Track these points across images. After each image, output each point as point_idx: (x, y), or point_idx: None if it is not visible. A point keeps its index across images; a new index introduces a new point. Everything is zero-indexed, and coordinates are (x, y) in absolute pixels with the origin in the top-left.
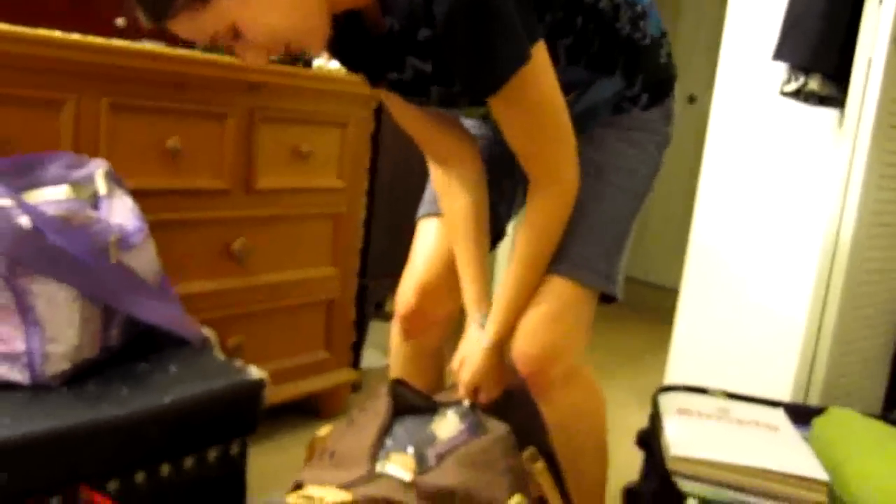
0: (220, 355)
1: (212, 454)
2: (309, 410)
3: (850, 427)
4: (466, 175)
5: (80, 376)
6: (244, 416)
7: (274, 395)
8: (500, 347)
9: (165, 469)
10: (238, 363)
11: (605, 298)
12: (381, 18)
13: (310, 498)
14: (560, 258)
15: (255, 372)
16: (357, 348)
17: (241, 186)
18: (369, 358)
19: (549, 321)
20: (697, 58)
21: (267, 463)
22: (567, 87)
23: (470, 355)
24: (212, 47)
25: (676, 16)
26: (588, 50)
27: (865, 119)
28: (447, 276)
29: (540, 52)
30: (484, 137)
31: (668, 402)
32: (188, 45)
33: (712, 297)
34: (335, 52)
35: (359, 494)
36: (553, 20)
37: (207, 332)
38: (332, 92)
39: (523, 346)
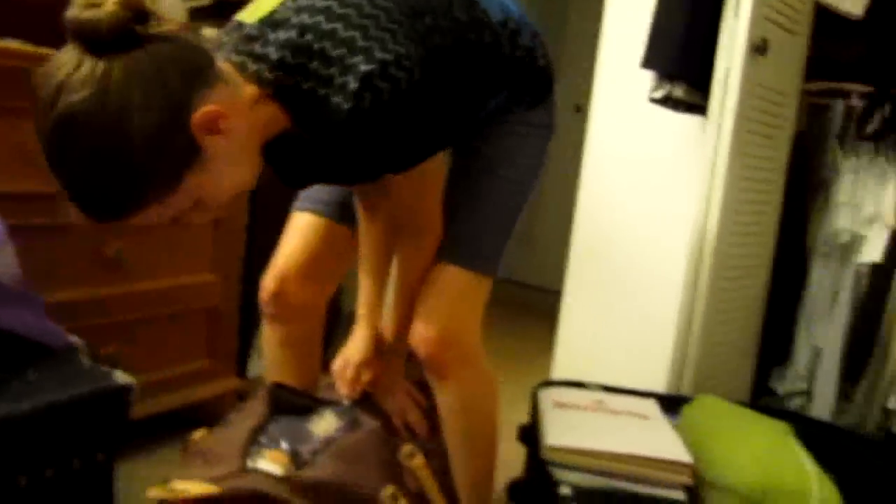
0: (85, 362)
1: (75, 463)
2: (193, 421)
3: (715, 413)
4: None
5: None
6: (110, 424)
7: (155, 405)
8: (397, 355)
9: (23, 481)
10: (103, 369)
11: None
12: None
13: (172, 490)
14: (455, 247)
15: (122, 377)
16: (243, 356)
17: None
18: (256, 366)
19: (445, 306)
20: (583, 69)
21: (150, 475)
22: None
23: (360, 355)
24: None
25: (562, 27)
26: (479, 80)
27: (726, 126)
28: (309, 266)
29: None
30: None
31: (546, 396)
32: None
33: (593, 296)
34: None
35: (226, 487)
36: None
37: (74, 339)
38: None
39: (422, 330)
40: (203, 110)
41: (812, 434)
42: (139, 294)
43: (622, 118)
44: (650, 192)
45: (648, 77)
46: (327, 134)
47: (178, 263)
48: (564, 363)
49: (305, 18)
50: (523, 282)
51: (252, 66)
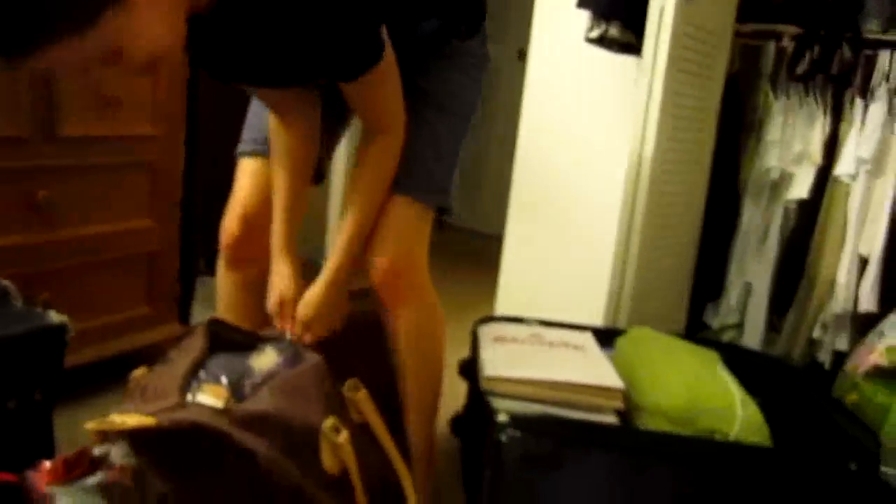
0: (18, 304)
1: (11, 404)
2: (136, 368)
3: (647, 342)
4: (302, 125)
5: None
6: (46, 364)
7: (96, 352)
8: (341, 283)
9: None
10: (37, 311)
11: (439, 211)
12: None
13: (109, 423)
14: (405, 179)
15: (56, 317)
16: (185, 303)
17: (41, 134)
18: (199, 314)
19: (398, 235)
20: (527, 15)
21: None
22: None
23: (291, 290)
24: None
25: None
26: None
27: (659, 65)
28: (266, 208)
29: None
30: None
31: (486, 331)
32: None
33: (533, 238)
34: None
35: (164, 419)
36: None
37: (5, 283)
38: None
39: (376, 257)
40: None
41: (740, 362)
42: (73, 240)
43: (560, 61)
44: (588, 133)
45: (585, 16)
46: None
47: (113, 209)
48: (506, 304)
49: None
50: (469, 228)
51: None
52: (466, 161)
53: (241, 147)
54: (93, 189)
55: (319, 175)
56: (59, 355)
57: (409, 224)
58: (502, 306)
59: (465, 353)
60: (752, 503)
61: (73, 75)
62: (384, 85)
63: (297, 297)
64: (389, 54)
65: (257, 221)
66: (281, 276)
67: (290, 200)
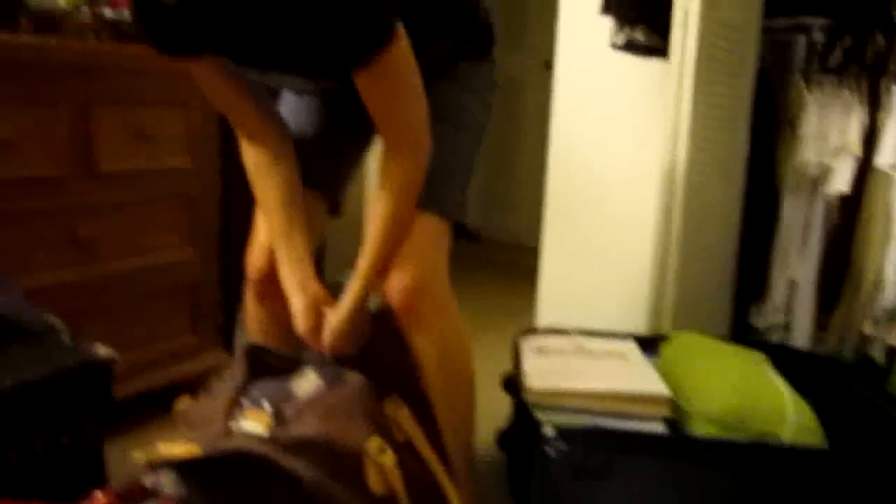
0: (66, 339)
1: (64, 438)
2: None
3: (692, 347)
4: (278, 153)
5: None
6: (95, 397)
7: (143, 383)
8: (360, 305)
9: (14, 456)
10: (85, 345)
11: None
12: None
13: (156, 452)
14: (423, 195)
15: (104, 350)
16: (228, 330)
17: (81, 172)
18: (243, 340)
19: (417, 254)
20: (550, 26)
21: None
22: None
23: (305, 322)
24: None
25: None
26: (421, 17)
27: (687, 66)
28: None
29: (398, 24)
30: (313, 110)
31: (528, 343)
32: (9, 28)
33: (570, 246)
34: (142, 16)
35: (209, 447)
36: None
37: (54, 319)
38: (169, 71)
39: (396, 281)
40: None
41: (789, 362)
42: (116, 274)
43: (587, 68)
44: (619, 138)
45: (609, 26)
46: None
47: (154, 241)
48: (546, 314)
49: None
50: (503, 241)
51: None
52: (497, 172)
53: None
54: (133, 222)
55: (335, 206)
56: (108, 388)
57: (428, 240)
58: (543, 317)
59: (506, 366)
60: None
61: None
62: (402, 86)
63: (320, 326)
64: (407, 54)
65: None
66: (293, 315)
67: (288, 237)
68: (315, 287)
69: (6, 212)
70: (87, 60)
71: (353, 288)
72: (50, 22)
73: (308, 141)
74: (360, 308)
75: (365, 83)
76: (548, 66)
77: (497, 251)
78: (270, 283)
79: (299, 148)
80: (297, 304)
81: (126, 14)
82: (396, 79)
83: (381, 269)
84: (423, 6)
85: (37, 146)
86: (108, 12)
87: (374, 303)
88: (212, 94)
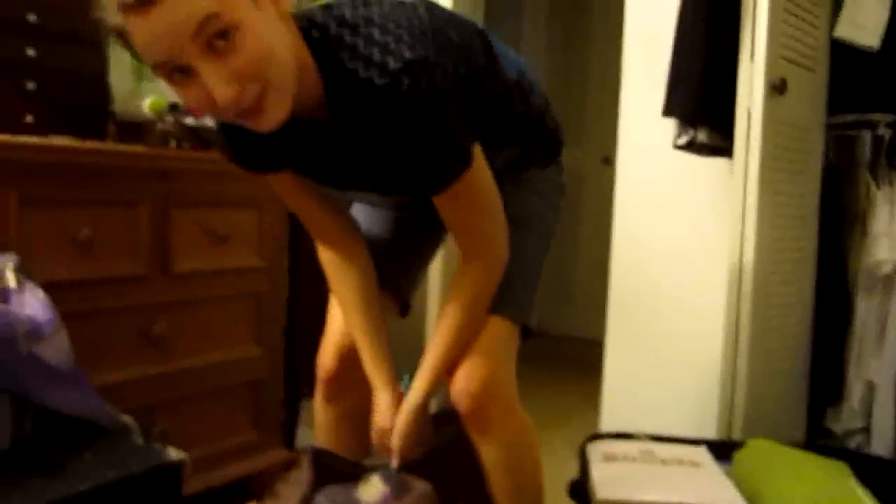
0: (138, 440)
1: None
2: (244, 495)
3: (768, 456)
4: (353, 253)
5: None
6: (165, 499)
7: (205, 480)
8: (424, 407)
9: None
10: (156, 447)
11: (523, 335)
12: (324, 108)
13: None
14: (493, 296)
15: (174, 454)
16: (290, 427)
17: (158, 271)
18: (304, 437)
19: (484, 358)
20: (609, 121)
21: None
22: None
23: (388, 421)
24: (170, 69)
25: (585, 82)
26: (491, 129)
27: (752, 166)
28: None
29: (476, 144)
30: (383, 217)
31: (595, 449)
32: (98, 136)
33: (635, 345)
34: (227, 136)
35: None
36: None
37: (126, 419)
38: (244, 175)
39: (462, 385)
40: None
41: (872, 472)
42: (186, 371)
43: (649, 165)
44: (683, 236)
45: (671, 122)
46: (354, 107)
47: (222, 338)
48: (611, 414)
49: (360, 10)
50: (563, 334)
51: (300, 21)
52: (555, 265)
53: None
54: (204, 320)
55: (405, 307)
56: (178, 491)
57: (497, 344)
58: (607, 418)
59: (570, 467)
60: None
61: (178, 45)
62: (479, 201)
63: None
64: (484, 171)
65: (352, 352)
66: (377, 409)
67: (370, 336)
68: (397, 387)
69: (86, 310)
70: (168, 165)
71: (416, 390)
72: (135, 129)
73: (379, 243)
74: (423, 411)
75: (443, 202)
76: (606, 161)
77: (556, 345)
78: (340, 384)
79: (371, 250)
80: (386, 400)
81: (205, 121)
82: (473, 195)
83: (441, 374)
84: (492, 115)
85: (118, 247)
86: (188, 120)
87: (434, 404)
88: (288, 199)
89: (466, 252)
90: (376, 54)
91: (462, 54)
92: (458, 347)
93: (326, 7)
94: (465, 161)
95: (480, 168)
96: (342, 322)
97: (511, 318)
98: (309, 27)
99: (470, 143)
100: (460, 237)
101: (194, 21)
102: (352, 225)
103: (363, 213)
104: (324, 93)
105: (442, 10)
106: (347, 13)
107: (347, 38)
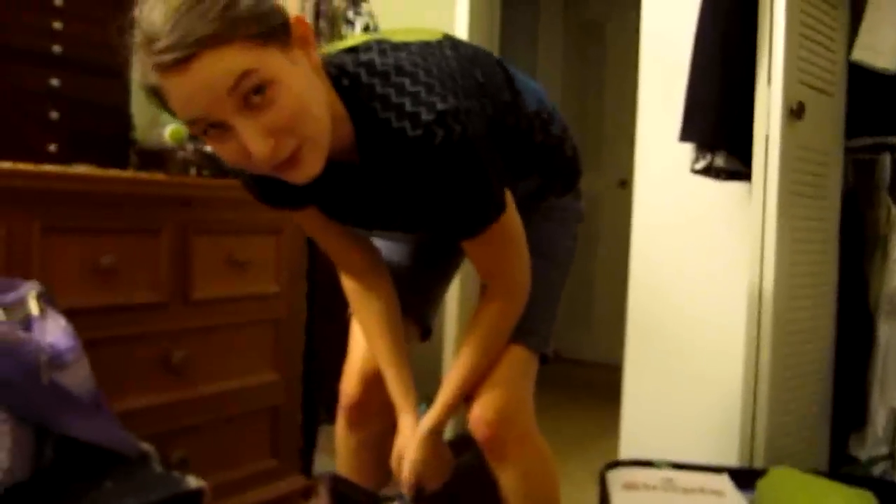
0: (158, 468)
1: None
2: None
3: (792, 485)
4: (377, 283)
5: (12, 500)
6: None
7: None
8: (440, 435)
9: None
10: (175, 475)
11: (540, 361)
12: (354, 152)
13: None
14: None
15: (194, 482)
16: (307, 454)
17: (178, 299)
18: (322, 463)
19: (501, 386)
20: (624, 145)
21: None
22: None
23: (407, 449)
24: (205, 125)
25: (601, 106)
26: (512, 161)
27: (771, 190)
28: None
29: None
30: (403, 244)
31: (615, 477)
32: (119, 165)
33: (654, 371)
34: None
35: None
36: None
37: (146, 446)
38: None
39: (480, 412)
40: (298, 16)
41: None
42: (205, 397)
43: (666, 189)
44: (702, 261)
45: (688, 146)
46: (386, 154)
47: (241, 365)
48: (631, 441)
49: (389, 57)
50: (580, 359)
51: (330, 69)
52: (572, 290)
53: None
54: (223, 347)
55: (427, 331)
56: None
57: (516, 372)
58: (627, 444)
59: (590, 494)
60: None
61: (214, 97)
62: (507, 243)
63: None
64: (515, 217)
65: (375, 379)
66: (401, 432)
67: (395, 362)
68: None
69: (107, 337)
70: (188, 193)
71: (430, 419)
72: (156, 158)
73: (399, 270)
74: (436, 439)
75: (473, 245)
76: (623, 184)
77: (573, 369)
78: (363, 410)
79: (392, 277)
80: (410, 424)
81: None
82: (505, 239)
83: (459, 404)
84: (514, 148)
85: (139, 274)
86: (208, 148)
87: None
88: (311, 231)
89: (491, 288)
90: (408, 105)
91: (488, 93)
92: (475, 378)
93: (353, 51)
94: (499, 208)
95: (511, 211)
96: (365, 348)
97: (530, 347)
98: (339, 75)
99: (503, 188)
100: (487, 276)
101: (231, 77)
102: (375, 255)
103: (382, 241)
104: (354, 138)
105: (465, 46)
106: (377, 60)
107: (379, 89)
